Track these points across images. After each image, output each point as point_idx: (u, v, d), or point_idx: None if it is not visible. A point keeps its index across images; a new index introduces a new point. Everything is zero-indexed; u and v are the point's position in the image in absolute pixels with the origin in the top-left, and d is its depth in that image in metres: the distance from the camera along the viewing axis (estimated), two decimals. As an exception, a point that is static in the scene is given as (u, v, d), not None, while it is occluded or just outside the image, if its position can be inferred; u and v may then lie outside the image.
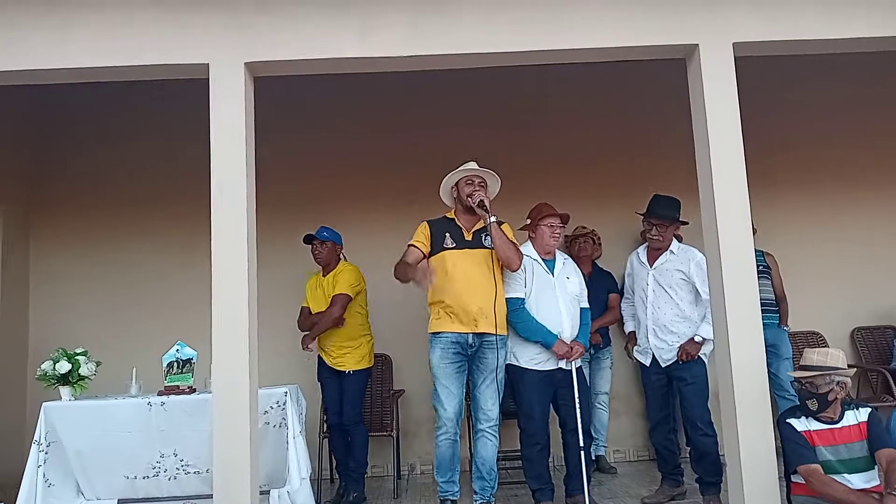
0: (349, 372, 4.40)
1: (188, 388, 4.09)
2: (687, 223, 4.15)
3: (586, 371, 4.41)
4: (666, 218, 4.09)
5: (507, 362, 3.95)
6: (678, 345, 3.97)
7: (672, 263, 4.07)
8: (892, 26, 3.41)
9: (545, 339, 3.82)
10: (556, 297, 3.91)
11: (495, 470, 3.74)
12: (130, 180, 5.60)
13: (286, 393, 4.01)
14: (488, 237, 3.74)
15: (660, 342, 4.03)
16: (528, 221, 4.08)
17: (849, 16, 3.40)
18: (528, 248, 4.01)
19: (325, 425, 4.58)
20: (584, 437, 3.84)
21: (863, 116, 5.80)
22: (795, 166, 5.64)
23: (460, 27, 3.38)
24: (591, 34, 3.41)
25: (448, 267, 3.73)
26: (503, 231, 3.73)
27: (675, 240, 4.15)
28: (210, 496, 3.86)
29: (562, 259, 4.07)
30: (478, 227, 3.81)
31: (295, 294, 4.82)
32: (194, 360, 4.17)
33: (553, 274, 3.97)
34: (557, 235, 4.00)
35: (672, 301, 4.03)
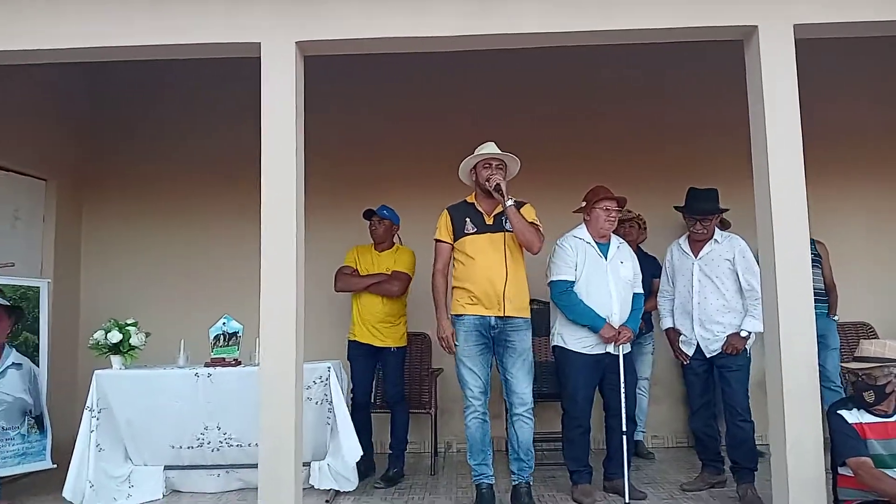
0: (393, 349, 4.47)
1: (234, 360, 4.17)
2: (727, 210, 4.09)
3: (630, 356, 4.37)
4: (708, 212, 4.03)
5: (555, 344, 3.96)
6: (724, 335, 3.91)
7: (718, 253, 4.01)
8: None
9: (592, 323, 3.81)
10: (608, 281, 3.88)
11: (532, 451, 3.74)
12: (180, 157, 5.71)
13: (329, 368, 4.06)
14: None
15: (706, 332, 3.97)
16: (584, 204, 4.04)
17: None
18: (581, 231, 3.99)
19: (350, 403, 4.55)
20: (627, 422, 3.84)
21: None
22: (848, 154, 5.48)
23: (516, 6, 3.34)
24: (649, 14, 3.35)
25: (469, 252, 3.71)
26: (522, 214, 3.67)
27: (716, 228, 4.09)
28: (251, 466, 3.99)
29: (616, 243, 4.03)
30: (498, 210, 3.75)
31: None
32: (240, 334, 4.25)
33: (606, 258, 3.93)
34: (613, 219, 3.95)
35: (718, 291, 3.97)
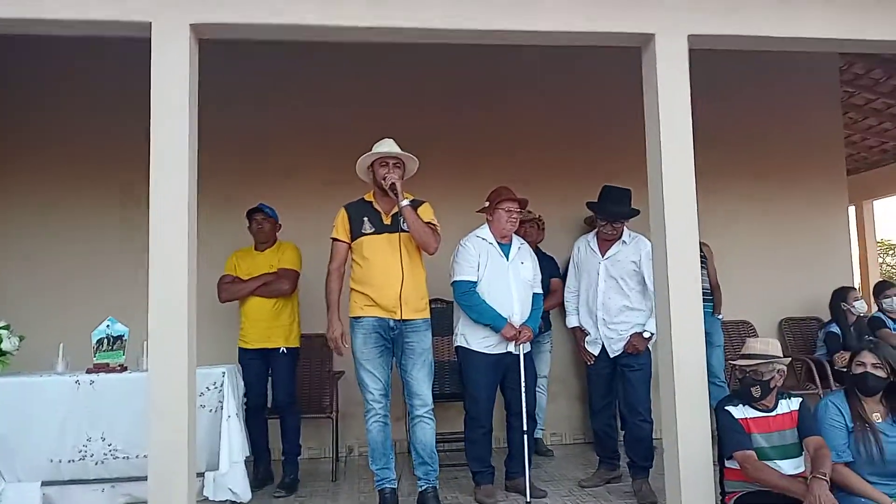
0: (283, 351, 4.33)
1: (119, 365, 3.91)
2: (638, 212, 4.12)
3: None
4: (621, 216, 4.08)
5: (457, 344, 3.96)
6: (627, 335, 4.01)
7: (624, 254, 4.08)
8: (846, 27, 3.51)
9: (494, 323, 3.83)
10: (509, 281, 3.92)
11: (436, 453, 3.71)
12: (63, 149, 5.27)
13: (223, 373, 3.89)
14: None
15: (610, 332, 4.06)
16: (486, 205, 4.05)
17: (806, 15, 3.47)
18: (484, 231, 4.01)
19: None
20: (527, 421, 3.88)
21: (793, 115, 6.04)
22: (730, 160, 5.79)
23: (423, 1, 3.29)
24: (551, 17, 3.37)
25: (367, 254, 3.65)
26: (417, 214, 3.62)
27: (625, 228, 4.16)
28: (138, 479, 3.76)
29: (518, 244, 4.07)
30: (396, 209, 3.67)
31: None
32: (126, 337, 3.99)
33: (508, 258, 3.97)
34: (514, 220, 3.99)
35: (622, 292, 4.05)
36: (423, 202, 3.74)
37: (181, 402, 3.04)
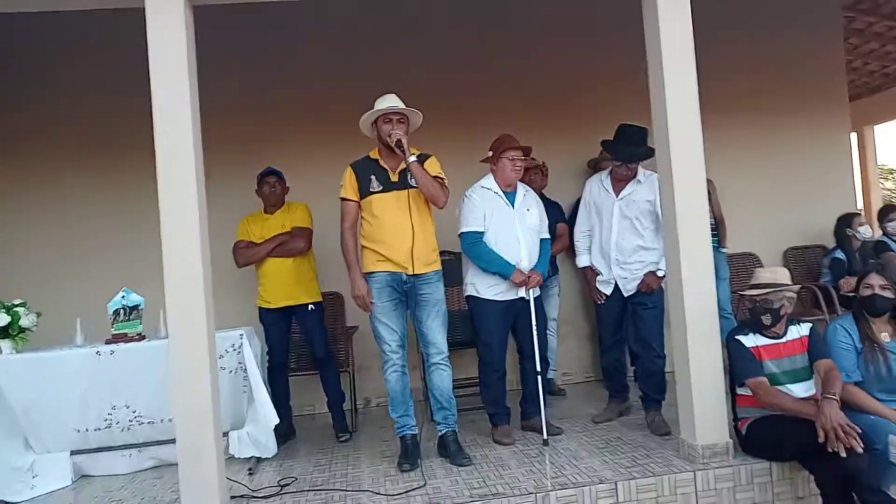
0: (310, 307, 4.43)
1: (137, 335, 3.97)
2: (653, 153, 3.87)
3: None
4: (636, 157, 4.00)
5: (468, 294, 4.01)
6: (641, 274, 4.02)
7: (640, 194, 4.04)
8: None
9: (502, 270, 3.87)
10: (516, 228, 3.95)
11: (453, 398, 3.79)
12: (71, 124, 5.23)
13: (242, 335, 3.95)
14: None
15: (624, 272, 4.07)
16: (490, 154, 4.04)
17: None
18: (489, 181, 4.02)
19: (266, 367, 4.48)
20: (540, 363, 3.96)
21: (794, 44, 5.95)
22: (732, 92, 5.72)
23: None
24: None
25: (376, 212, 3.65)
26: (425, 169, 3.61)
27: (639, 167, 4.09)
28: (165, 442, 3.87)
29: (523, 191, 4.08)
30: (403, 166, 3.66)
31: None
32: (142, 307, 4.04)
33: (513, 206, 3.99)
34: (519, 168, 3.98)
35: (637, 232, 4.04)
36: (430, 156, 3.73)
37: (203, 365, 3.12)
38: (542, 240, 4.09)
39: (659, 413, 4.01)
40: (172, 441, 3.21)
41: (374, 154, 3.78)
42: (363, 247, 3.74)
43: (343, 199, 3.76)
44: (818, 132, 6.03)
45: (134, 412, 3.88)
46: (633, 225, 4.05)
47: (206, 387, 3.11)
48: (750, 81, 5.86)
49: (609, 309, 4.18)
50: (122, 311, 4.00)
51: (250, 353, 3.92)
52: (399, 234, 3.63)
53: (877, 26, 7.91)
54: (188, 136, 3.13)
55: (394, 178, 3.68)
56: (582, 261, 4.32)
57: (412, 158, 3.57)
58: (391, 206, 3.65)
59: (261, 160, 4.65)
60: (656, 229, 4.02)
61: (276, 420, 3.94)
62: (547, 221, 4.18)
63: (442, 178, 3.69)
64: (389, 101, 3.69)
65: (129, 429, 3.90)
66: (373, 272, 3.69)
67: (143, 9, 3.12)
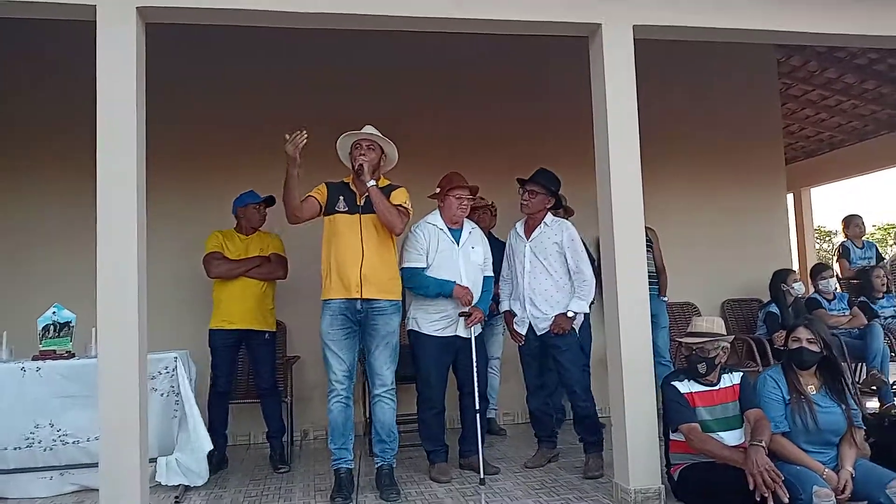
0: (267, 335, 4.45)
1: (66, 352, 3.84)
2: (556, 196, 4.22)
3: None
4: (536, 184, 4.16)
5: (409, 328, 4.01)
6: (553, 315, 4.07)
7: (547, 236, 4.16)
8: (781, 20, 3.69)
9: (443, 290, 3.92)
10: (459, 265, 4.00)
11: (395, 432, 3.77)
12: (8, 132, 5.11)
13: (175, 358, 3.85)
14: None
15: (536, 311, 4.13)
16: (438, 191, 4.10)
17: (743, 8, 3.64)
18: (435, 217, 4.08)
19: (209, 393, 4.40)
20: (480, 401, 3.96)
21: (734, 105, 6.27)
22: (674, 148, 5.98)
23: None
24: (498, 6, 3.45)
25: (337, 231, 3.71)
26: (383, 196, 3.67)
27: (549, 213, 4.24)
28: (90, 465, 3.71)
29: (469, 228, 4.14)
30: None
31: (186, 256, 4.63)
32: (73, 324, 3.92)
33: (458, 243, 4.04)
34: (465, 207, 4.07)
35: (547, 272, 4.12)
36: (399, 187, 3.82)
37: (132, 387, 3.03)
38: (485, 277, 4.14)
39: (595, 456, 4.03)
40: (96, 465, 3.09)
41: (347, 178, 3.85)
42: (323, 269, 3.78)
43: (307, 195, 3.75)
44: (757, 191, 6.32)
45: (58, 431, 3.73)
46: (542, 265, 4.14)
47: (135, 408, 3.02)
48: (693, 141, 6.14)
49: (529, 350, 4.22)
50: (52, 327, 3.88)
51: (185, 376, 3.83)
52: (355, 255, 3.66)
53: (811, 94, 8.37)
54: (131, 153, 3.08)
55: (359, 201, 3.74)
56: (503, 305, 4.40)
57: (371, 183, 3.63)
58: (348, 228, 3.70)
59: (202, 181, 4.59)
60: (567, 272, 4.12)
61: (210, 446, 3.83)
62: (491, 259, 4.23)
63: (403, 207, 3.74)
64: (365, 130, 3.79)
65: (51, 449, 3.74)
66: (328, 299, 3.70)
67: (95, 21, 3.10)
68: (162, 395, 3.80)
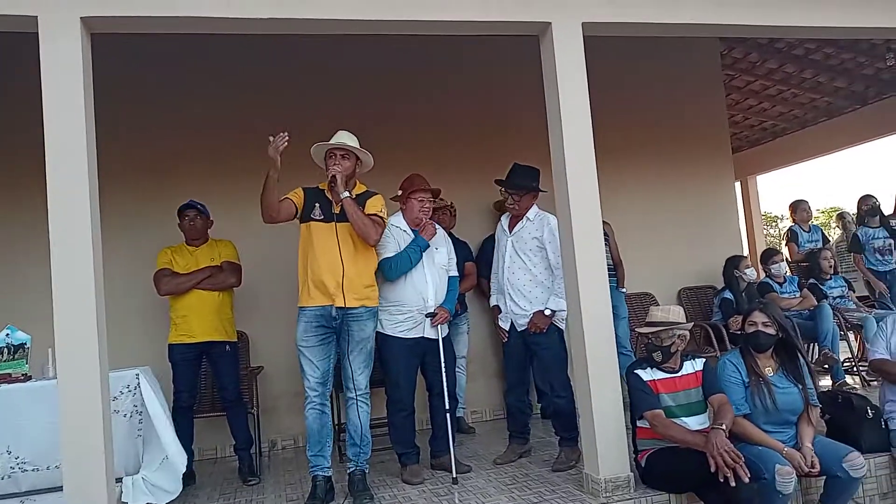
0: (227, 346, 4.38)
1: (22, 375, 3.72)
2: (544, 191, 4.18)
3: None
4: (520, 187, 4.15)
5: (376, 330, 3.99)
6: (531, 311, 4.08)
7: (528, 231, 4.17)
8: (721, 14, 3.79)
9: (419, 245, 3.95)
10: (423, 266, 4.00)
11: (368, 437, 3.76)
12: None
13: (137, 375, 3.76)
14: None
15: (516, 307, 4.15)
16: (399, 193, 4.11)
17: (685, 3, 3.74)
18: (398, 219, 4.07)
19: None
20: (449, 400, 3.98)
21: (680, 98, 6.42)
22: (625, 142, 6.07)
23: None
24: (447, 7, 3.47)
25: (313, 239, 3.69)
26: (357, 207, 3.65)
27: (534, 206, 4.22)
28: (52, 490, 3.60)
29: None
30: None
31: (143, 269, 4.54)
32: (28, 345, 3.79)
33: (421, 245, 4.04)
34: (427, 209, 4.07)
35: (526, 267, 4.13)
36: (375, 194, 3.80)
37: (94, 407, 2.95)
38: (450, 277, 4.16)
39: (569, 449, 4.03)
40: (60, 489, 3.00)
41: (322, 185, 3.81)
42: (300, 276, 3.75)
43: (284, 197, 3.70)
44: (706, 180, 6.48)
45: (17, 458, 3.59)
46: (521, 261, 4.15)
47: (99, 431, 2.93)
48: (642, 133, 6.25)
49: (512, 346, 4.23)
50: (5, 349, 3.74)
51: (150, 392, 3.74)
52: (331, 262, 3.64)
53: (753, 85, 8.63)
54: (82, 168, 3.00)
55: (335, 209, 3.71)
56: (491, 300, 4.40)
57: (345, 194, 3.61)
58: (326, 236, 3.68)
59: (160, 194, 4.51)
60: (547, 268, 4.12)
61: (185, 462, 3.76)
62: (455, 259, 4.25)
63: (377, 216, 3.72)
64: (339, 138, 3.75)
65: (10, 476, 3.60)
66: (305, 307, 3.68)
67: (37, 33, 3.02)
68: (125, 416, 3.70)
